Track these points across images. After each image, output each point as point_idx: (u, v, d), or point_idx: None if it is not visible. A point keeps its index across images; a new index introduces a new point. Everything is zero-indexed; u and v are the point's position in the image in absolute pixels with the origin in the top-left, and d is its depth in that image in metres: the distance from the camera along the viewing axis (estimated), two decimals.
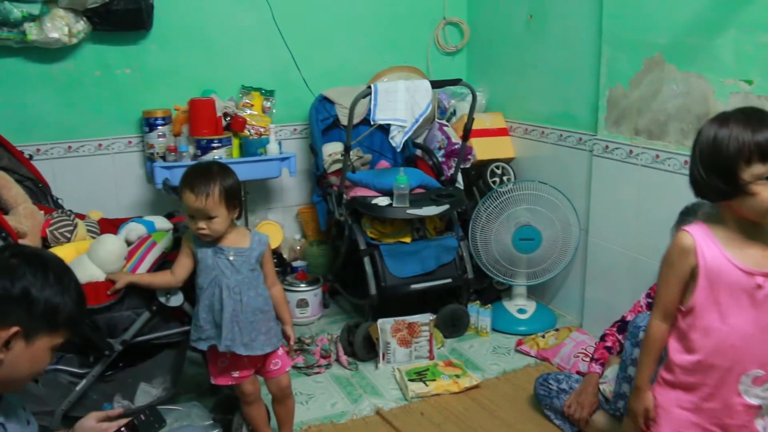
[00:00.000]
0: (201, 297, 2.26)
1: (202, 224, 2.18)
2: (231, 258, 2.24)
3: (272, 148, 3.45)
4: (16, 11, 3.02)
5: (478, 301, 3.46)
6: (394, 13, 4.01)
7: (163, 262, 2.43)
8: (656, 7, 2.83)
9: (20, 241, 2.28)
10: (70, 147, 3.46)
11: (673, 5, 2.75)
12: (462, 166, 3.62)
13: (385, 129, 3.44)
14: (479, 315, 3.39)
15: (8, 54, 3.24)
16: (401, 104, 3.04)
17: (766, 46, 2.43)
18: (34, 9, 3.06)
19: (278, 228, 3.71)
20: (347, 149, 3.18)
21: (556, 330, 3.28)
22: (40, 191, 2.90)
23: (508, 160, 3.84)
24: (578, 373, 2.81)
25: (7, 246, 2.02)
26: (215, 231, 2.19)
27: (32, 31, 3.11)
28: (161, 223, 2.66)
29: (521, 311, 3.46)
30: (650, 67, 2.90)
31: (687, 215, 2.38)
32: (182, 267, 2.29)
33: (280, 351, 2.40)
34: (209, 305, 2.24)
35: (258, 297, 2.28)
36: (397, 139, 3.07)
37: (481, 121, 3.79)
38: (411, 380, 2.88)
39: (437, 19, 4.14)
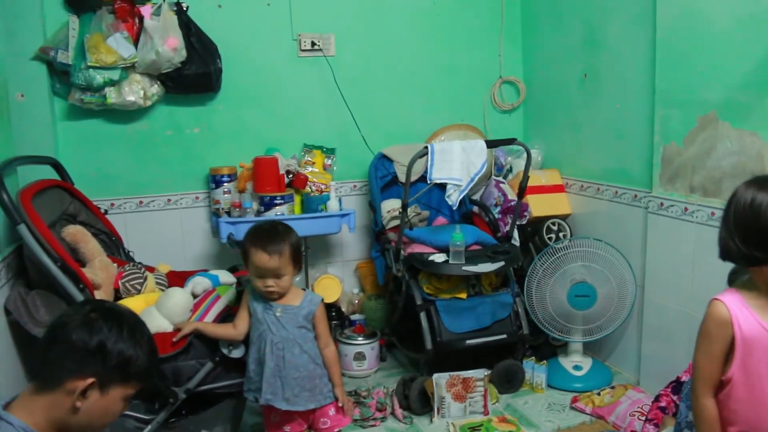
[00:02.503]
0: (251, 349, 2.37)
1: (271, 282, 2.29)
2: (278, 314, 2.34)
3: (332, 205, 3.57)
4: (99, 77, 3.24)
5: (533, 357, 3.46)
6: (452, 72, 4.14)
7: (227, 315, 2.54)
8: (709, 66, 2.87)
9: (95, 292, 2.43)
10: (141, 202, 3.66)
11: (726, 64, 2.79)
12: (518, 223, 3.67)
13: (442, 186, 3.52)
14: (534, 371, 3.39)
15: (90, 116, 3.47)
16: (457, 164, 3.12)
17: None
18: (114, 75, 3.28)
19: (337, 282, 3.81)
20: (405, 207, 3.27)
21: (612, 387, 3.25)
22: (113, 244, 3.08)
23: (564, 217, 3.87)
24: None
25: (87, 301, 2.17)
26: (283, 288, 2.31)
27: (112, 95, 3.33)
28: (225, 277, 2.78)
29: (577, 368, 3.45)
30: (704, 125, 2.92)
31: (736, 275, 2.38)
32: (243, 320, 2.40)
33: (331, 411, 2.45)
34: (257, 358, 2.35)
35: (302, 354, 2.36)
36: (453, 197, 3.15)
37: (537, 178, 3.84)
38: None
39: (494, 77, 4.24)
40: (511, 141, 3.35)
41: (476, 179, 3.18)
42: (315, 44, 3.77)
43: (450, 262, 3.18)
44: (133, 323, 1.58)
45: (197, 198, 3.74)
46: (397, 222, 3.61)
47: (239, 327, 2.39)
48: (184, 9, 3.47)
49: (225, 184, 3.57)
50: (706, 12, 2.85)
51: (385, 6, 3.94)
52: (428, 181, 3.21)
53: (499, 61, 4.22)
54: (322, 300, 2.47)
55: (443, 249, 3.28)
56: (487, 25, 4.18)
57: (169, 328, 2.40)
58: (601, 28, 3.56)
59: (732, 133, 2.79)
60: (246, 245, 2.33)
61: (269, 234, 2.32)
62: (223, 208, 3.56)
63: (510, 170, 4.03)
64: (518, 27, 4.26)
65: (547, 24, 4.04)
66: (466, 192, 3.18)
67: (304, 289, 2.47)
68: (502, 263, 3.22)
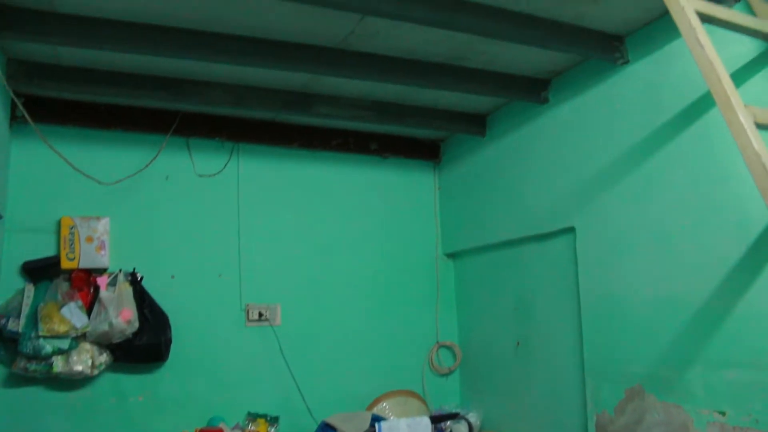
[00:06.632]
0: None
1: None
2: None
3: None
4: (48, 347, 3.28)
5: None
6: (391, 338, 4.34)
7: None
8: (631, 342, 3.11)
9: None
10: None
11: (646, 341, 3.03)
12: None
13: None
14: None
15: (32, 383, 3.43)
16: None
17: (731, 382, 2.66)
18: (64, 344, 3.33)
19: None
20: None
21: None
22: None
23: None
24: None
25: None
26: None
27: (59, 364, 3.34)
28: None
29: None
30: (632, 396, 3.10)
31: None
32: None
33: None
34: None
35: None
36: None
37: None
38: None
39: (431, 342, 4.45)
40: (454, 415, 3.50)
41: None
42: (262, 315, 3.95)
43: None
44: None
45: None
46: None
47: None
48: (139, 279, 3.64)
49: None
50: (623, 295, 3.16)
51: (329, 278, 4.22)
52: None
53: (435, 327, 4.46)
54: None
55: None
56: (424, 293, 4.49)
57: None
58: (531, 299, 3.85)
59: (658, 404, 2.96)
60: None
61: None
62: None
63: None
64: (453, 295, 4.57)
65: (480, 293, 4.35)
66: None
67: None
68: None
